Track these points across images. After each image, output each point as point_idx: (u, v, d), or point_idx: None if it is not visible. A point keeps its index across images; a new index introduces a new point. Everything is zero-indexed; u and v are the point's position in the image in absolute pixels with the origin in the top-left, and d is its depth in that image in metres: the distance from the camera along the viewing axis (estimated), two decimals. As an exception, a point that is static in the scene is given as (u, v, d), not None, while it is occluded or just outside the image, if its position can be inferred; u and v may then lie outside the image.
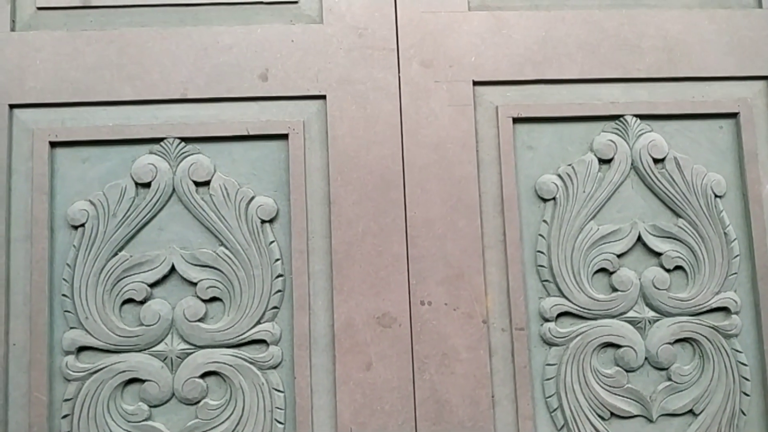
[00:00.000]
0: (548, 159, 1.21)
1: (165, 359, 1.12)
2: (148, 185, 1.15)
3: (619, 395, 1.16)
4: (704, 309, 1.19)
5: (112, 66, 1.17)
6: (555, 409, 1.15)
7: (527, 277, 1.18)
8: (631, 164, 1.21)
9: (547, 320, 1.17)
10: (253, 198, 1.16)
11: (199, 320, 1.13)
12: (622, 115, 1.22)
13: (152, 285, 1.13)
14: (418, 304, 1.14)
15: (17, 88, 1.16)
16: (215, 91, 1.17)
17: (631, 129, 1.21)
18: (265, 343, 1.13)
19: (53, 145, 1.15)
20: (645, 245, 1.20)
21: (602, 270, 1.19)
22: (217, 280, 1.14)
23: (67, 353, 1.11)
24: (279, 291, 1.14)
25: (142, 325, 1.12)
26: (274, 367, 1.13)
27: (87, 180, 1.15)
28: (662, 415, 1.16)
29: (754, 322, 1.20)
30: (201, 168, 1.15)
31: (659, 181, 1.20)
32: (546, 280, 1.18)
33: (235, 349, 1.13)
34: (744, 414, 1.17)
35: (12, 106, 1.15)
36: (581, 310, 1.17)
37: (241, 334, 1.12)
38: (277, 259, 1.14)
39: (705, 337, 1.18)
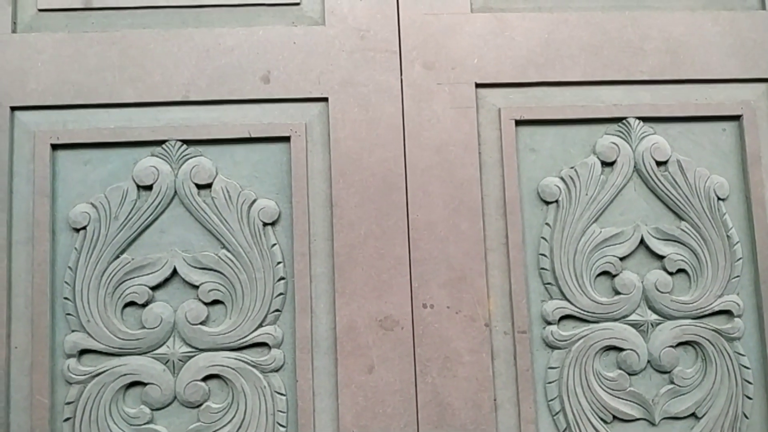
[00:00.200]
0: (551, 161, 1.20)
1: (167, 362, 1.11)
2: (149, 188, 1.15)
3: (622, 398, 1.16)
4: (707, 312, 1.18)
5: (114, 68, 1.17)
6: (557, 413, 1.15)
7: (530, 280, 1.18)
8: (634, 167, 1.21)
9: (549, 323, 1.16)
10: (254, 200, 1.15)
11: (201, 323, 1.12)
12: (624, 118, 1.21)
13: (154, 288, 1.13)
14: (420, 307, 1.14)
15: (18, 90, 1.15)
16: (217, 93, 1.17)
17: (633, 131, 1.21)
18: (267, 346, 1.13)
19: (54, 147, 1.15)
20: (648, 248, 1.19)
21: (605, 273, 1.19)
22: (219, 283, 1.13)
23: (69, 356, 1.11)
24: (281, 294, 1.14)
25: (143, 328, 1.12)
26: (276, 370, 1.13)
27: (88, 182, 1.15)
28: (665, 418, 1.16)
29: (756, 325, 1.19)
30: (203, 170, 1.15)
31: (662, 183, 1.20)
32: (548, 283, 1.17)
33: (237, 352, 1.12)
34: (746, 417, 1.17)
35: (13, 108, 1.15)
36: (584, 313, 1.17)
37: (243, 337, 1.12)
38: (279, 262, 1.14)
39: (707, 340, 1.18)
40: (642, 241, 1.19)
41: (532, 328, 1.17)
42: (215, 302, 1.14)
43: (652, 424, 1.15)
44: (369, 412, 1.11)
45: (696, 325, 1.18)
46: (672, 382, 1.17)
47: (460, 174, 1.17)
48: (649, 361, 1.17)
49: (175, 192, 1.15)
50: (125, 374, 1.11)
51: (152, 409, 1.11)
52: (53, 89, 1.16)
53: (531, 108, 1.20)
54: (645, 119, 1.22)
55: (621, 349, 1.17)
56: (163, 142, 1.16)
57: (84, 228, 1.13)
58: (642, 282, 1.18)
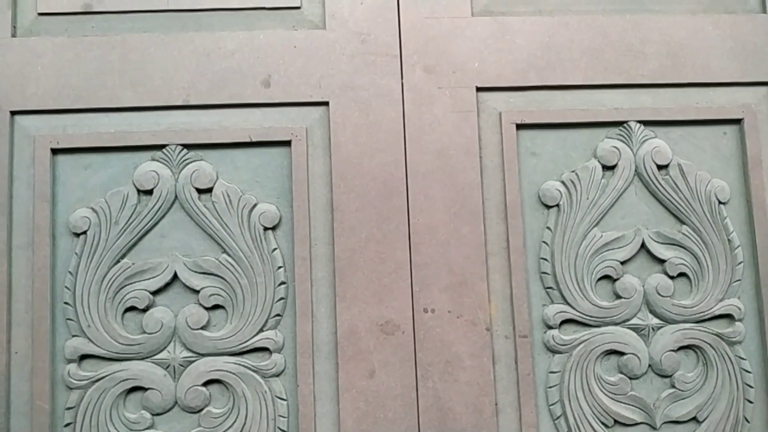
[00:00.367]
0: (552, 165, 1.20)
1: (167, 367, 1.11)
2: (150, 192, 1.14)
3: (623, 403, 1.16)
4: (708, 316, 1.18)
5: (114, 72, 1.17)
6: (558, 417, 1.15)
7: (531, 284, 1.18)
8: (635, 171, 1.20)
9: (550, 327, 1.16)
10: (255, 205, 1.15)
11: (202, 328, 1.12)
12: (625, 122, 1.21)
13: (154, 293, 1.13)
14: (421, 312, 1.14)
15: (18, 94, 1.15)
16: (217, 98, 1.17)
17: (634, 135, 1.21)
18: (267, 350, 1.13)
19: (55, 151, 1.15)
20: (649, 252, 1.19)
21: (606, 277, 1.18)
22: (220, 288, 1.13)
23: (70, 361, 1.11)
24: (282, 298, 1.13)
25: (144, 333, 1.12)
26: (277, 375, 1.12)
27: (89, 187, 1.15)
28: (666, 422, 1.16)
29: (757, 329, 1.19)
30: (203, 175, 1.15)
31: (663, 187, 1.20)
32: (549, 287, 1.17)
33: (238, 357, 1.12)
34: (747, 421, 1.17)
35: (13, 113, 1.15)
36: (585, 317, 1.17)
37: (244, 342, 1.12)
38: (280, 267, 1.14)
39: (708, 344, 1.18)
40: (643, 245, 1.19)
41: (533, 332, 1.17)
42: (216, 307, 1.13)
43: (654, 428, 1.15)
44: (370, 417, 1.11)
45: (697, 329, 1.18)
46: (673, 386, 1.17)
47: (461, 178, 1.17)
48: (650, 365, 1.17)
49: (176, 196, 1.15)
50: (126, 379, 1.11)
51: (153, 415, 1.11)
52: (53, 93, 1.15)
53: (532, 112, 1.20)
54: (646, 123, 1.22)
55: (622, 353, 1.17)
56: (163, 146, 1.16)
57: (84, 233, 1.13)
58: (643, 286, 1.18)
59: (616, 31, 1.23)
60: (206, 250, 1.14)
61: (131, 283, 1.12)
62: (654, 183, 1.20)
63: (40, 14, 1.18)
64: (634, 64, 1.22)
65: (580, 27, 1.22)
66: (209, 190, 1.15)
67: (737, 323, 1.19)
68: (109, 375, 1.11)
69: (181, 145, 1.16)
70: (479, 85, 1.19)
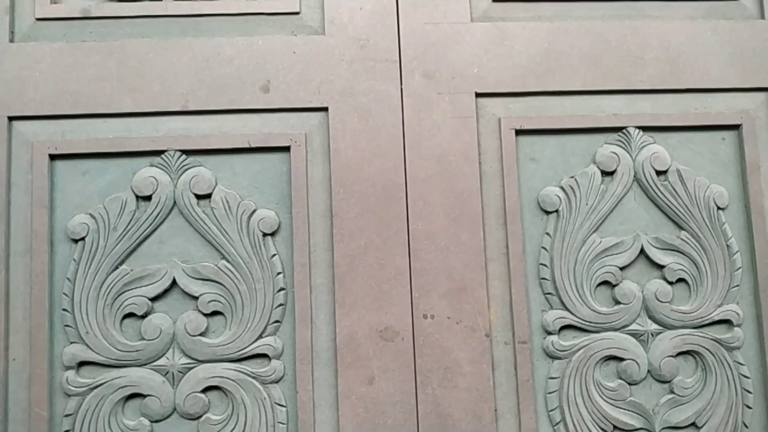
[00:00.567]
0: (551, 171, 1.20)
1: (166, 374, 1.11)
2: (148, 198, 1.14)
3: (622, 408, 1.16)
4: (707, 322, 1.19)
5: (113, 77, 1.16)
6: (558, 423, 1.15)
7: (530, 290, 1.18)
8: (634, 176, 1.21)
9: (549, 333, 1.16)
10: (254, 211, 1.15)
11: (201, 334, 1.12)
12: (624, 127, 1.21)
13: (153, 299, 1.13)
14: (420, 318, 1.14)
15: (16, 100, 1.15)
16: (216, 103, 1.16)
17: (633, 141, 1.21)
18: (267, 357, 1.12)
19: (53, 157, 1.14)
20: (648, 258, 1.19)
21: (605, 283, 1.19)
22: (219, 294, 1.13)
23: (68, 368, 1.10)
24: (281, 305, 1.13)
25: (143, 339, 1.11)
26: (276, 382, 1.12)
27: (87, 193, 1.14)
28: (665, 428, 1.16)
29: (756, 334, 1.20)
30: (202, 181, 1.15)
31: (662, 193, 1.20)
32: (549, 293, 1.17)
33: (237, 364, 1.12)
34: (746, 427, 1.17)
35: (11, 119, 1.14)
36: (584, 323, 1.17)
37: (243, 349, 1.12)
38: (279, 273, 1.14)
39: (707, 349, 1.18)
40: (642, 251, 1.19)
41: (532, 338, 1.17)
42: (215, 313, 1.13)
43: (653, 434, 1.16)
44: (369, 424, 1.11)
45: (696, 335, 1.18)
46: (672, 392, 1.17)
47: (460, 184, 1.17)
48: (649, 371, 1.17)
49: (175, 202, 1.14)
50: (124, 386, 1.10)
51: (152, 421, 1.10)
52: (51, 99, 1.15)
53: (531, 117, 1.20)
54: (645, 128, 1.22)
55: (621, 359, 1.17)
56: (162, 152, 1.15)
57: (83, 239, 1.12)
58: (642, 292, 1.18)
59: (616, 37, 1.23)
60: (205, 256, 1.14)
61: (130, 290, 1.12)
62: (653, 189, 1.20)
63: (38, 19, 1.18)
64: (633, 69, 1.22)
65: (580, 33, 1.22)
66: (208, 196, 1.15)
67: (736, 329, 1.19)
68: (107, 382, 1.10)
69: (180, 150, 1.15)
70: (478, 91, 1.19)
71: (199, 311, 1.12)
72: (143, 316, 1.12)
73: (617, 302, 1.18)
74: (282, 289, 1.14)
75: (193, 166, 1.15)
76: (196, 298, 1.13)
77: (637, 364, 1.16)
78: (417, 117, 1.18)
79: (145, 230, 1.13)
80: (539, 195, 1.19)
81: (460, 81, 1.19)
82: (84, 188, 1.15)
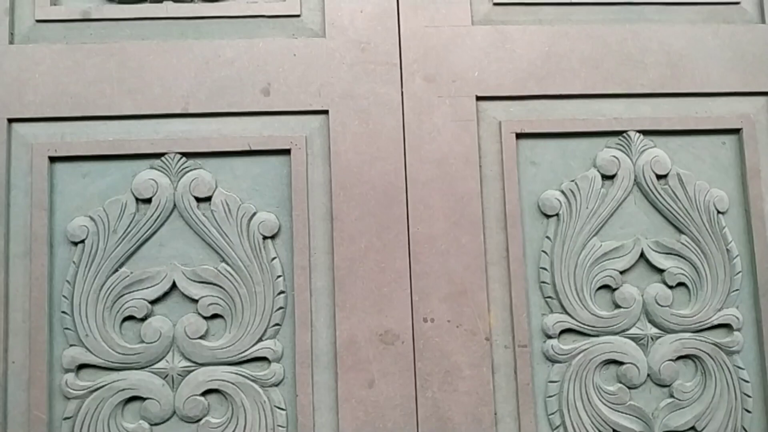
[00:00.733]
0: (551, 175, 1.20)
1: (166, 377, 1.11)
2: (148, 201, 1.14)
3: (622, 412, 1.16)
4: (706, 326, 1.19)
5: (113, 79, 1.16)
6: (557, 427, 1.15)
7: (530, 294, 1.18)
8: (634, 180, 1.21)
9: (549, 337, 1.16)
10: (254, 214, 1.15)
11: (201, 337, 1.12)
12: (625, 131, 1.21)
13: (153, 302, 1.12)
14: (420, 321, 1.14)
15: (16, 101, 1.14)
16: (217, 106, 1.16)
17: (634, 145, 1.21)
18: (266, 360, 1.12)
19: (53, 159, 1.14)
20: (648, 261, 1.19)
21: (605, 286, 1.19)
22: (219, 297, 1.13)
23: (67, 371, 1.10)
24: (281, 308, 1.13)
25: (142, 342, 1.11)
26: (276, 385, 1.12)
27: (87, 195, 1.14)
28: (664, 432, 1.16)
29: (755, 338, 1.20)
30: (202, 183, 1.14)
31: (662, 197, 1.20)
32: (549, 297, 1.17)
33: (237, 367, 1.12)
34: (746, 431, 1.17)
35: (11, 120, 1.14)
36: (584, 326, 1.17)
37: (243, 352, 1.12)
38: (279, 276, 1.14)
39: (707, 353, 1.18)
40: (642, 255, 1.19)
41: (532, 341, 1.17)
42: (215, 316, 1.13)
43: (652, 438, 1.16)
44: (369, 427, 1.11)
45: (696, 339, 1.18)
46: (672, 396, 1.17)
47: (460, 187, 1.17)
48: (649, 375, 1.17)
49: (175, 205, 1.14)
50: (124, 389, 1.10)
51: (151, 424, 1.10)
52: (51, 101, 1.15)
53: (531, 121, 1.20)
54: (645, 132, 1.22)
55: (621, 363, 1.17)
56: (162, 154, 1.15)
57: (82, 241, 1.12)
58: (642, 295, 1.18)
59: (616, 40, 1.23)
60: (205, 259, 1.14)
61: (129, 292, 1.12)
62: (653, 193, 1.20)
63: (38, 21, 1.17)
64: (634, 73, 1.22)
65: (580, 36, 1.22)
66: (208, 199, 1.15)
67: (735, 333, 1.19)
68: (107, 385, 1.10)
69: (180, 153, 1.15)
70: (479, 94, 1.19)
71: (199, 314, 1.12)
72: (143, 319, 1.12)
73: (617, 306, 1.18)
74: (282, 292, 1.13)
75: (193, 169, 1.15)
76: (196, 301, 1.12)
77: (637, 368, 1.16)
78: (417, 120, 1.18)
79: (145, 233, 1.13)
80: (540, 198, 1.19)
81: (460, 84, 1.19)
82: (84, 190, 1.14)
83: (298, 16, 1.20)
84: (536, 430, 1.14)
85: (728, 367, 1.18)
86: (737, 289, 1.20)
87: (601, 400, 1.16)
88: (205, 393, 1.11)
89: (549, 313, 1.17)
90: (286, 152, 1.16)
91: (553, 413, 1.15)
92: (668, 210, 1.20)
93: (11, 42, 1.17)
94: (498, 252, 1.17)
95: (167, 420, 1.10)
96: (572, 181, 1.20)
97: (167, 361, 1.11)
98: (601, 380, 1.17)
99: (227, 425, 1.11)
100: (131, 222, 1.13)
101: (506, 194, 1.18)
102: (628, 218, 1.20)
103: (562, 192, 1.19)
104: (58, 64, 1.16)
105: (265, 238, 1.14)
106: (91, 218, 1.13)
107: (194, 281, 1.13)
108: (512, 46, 1.21)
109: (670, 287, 1.19)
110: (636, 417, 1.16)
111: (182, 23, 1.19)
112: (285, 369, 1.12)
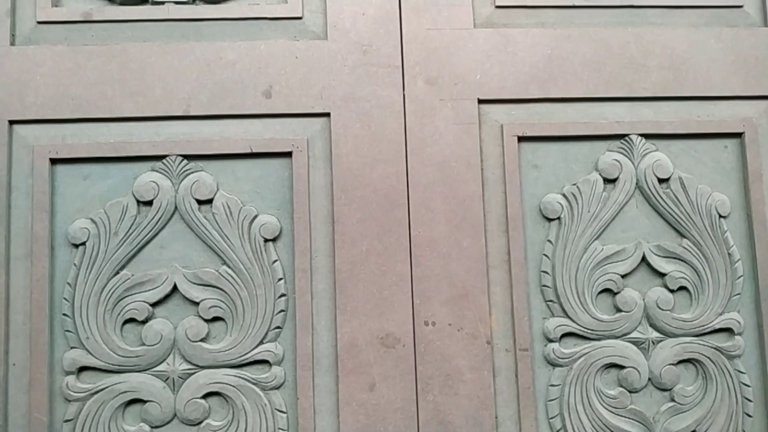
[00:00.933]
0: (553, 178, 1.20)
1: (167, 380, 1.11)
2: (149, 203, 1.14)
3: (623, 416, 1.16)
4: (708, 330, 1.18)
5: (114, 81, 1.16)
6: (558, 430, 1.15)
7: (531, 298, 1.17)
8: (636, 184, 1.20)
9: (551, 341, 1.16)
10: (256, 216, 1.15)
11: (201, 340, 1.12)
12: (627, 135, 1.21)
13: (154, 304, 1.12)
14: (421, 325, 1.14)
15: (17, 103, 1.14)
16: (218, 108, 1.16)
17: (636, 148, 1.21)
18: (267, 363, 1.12)
19: (54, 161, 1.14)
20: (649, 265, 1.19)
21: (606, 290, 1.18)
22: (220, 300, 1.13)
23: (68, 373, 1.10)
24: (282, 311, 1.13)
25: (143, 345, 1.11)
26: (277, 388, 1.12)
27: (88, 197, 1.14)
28: (665, 436, 1.16)
29: (756, 343, 1.20)
30: (203, 186, 1.14)
31: (664, 201, 1.20)
32: (550, 301, 1.17)
33: (238, 370, 1.12)
34: (746, 435, 1.18)
35: (12, 122, 1.14)
36: (585, 330, 1.17)
37: (244, 355, 1.12)
38: (280, 279, 1.13)
39: (708, 358, 1.18)
40: (643, 259, 1.19)
41: (533, 345, 1.16)
42: (216, 319, 1.13)
43: (653, 442, 1.16)
44: (370, 430, 1.11)
45: (697, 343, 1.18)
46: (673, 400, 1.17)
47: (462, 190, 1.17)
48: (650, 379, 1.17)
49: (176, 207, 1.14)
50: (125, 391, 1.10)
51: (152, 427, 1.10)
52: (52, 103, 1.14)
53: (533, 124, 1.20)
54: (647, 136, 1.22)
55: (622, 367, 1.17)
56: (163, 157, 1.15)
57: (83, 244, 1.12)
58: (643, 299, 1.18)
59: (618, 44, 1.22)
60: (206, 262, 1.14)
61: (130, 295, 1.12)
62: (655, 196, 1.20)
63: (40, 23, 1.17)
64: (636, 77, 1.22)
65: (582, 40, 1.22)
66: (209, 201, 1.15)
67: (737, 337, 1.19)
68: (107, 387, 1.10)
69: (182, 155, 1.15)
70: (481, 97, 1.19)
71: (200, 317, 1.12)
72: (144, 322, 1.12)
73: (618, 310, 1.18)
74: (283, 295, 1.13)
75: (195, 171, 1.15)
76: (197, 303, 1.12)
77: (638, 371, 1.16)
78: (419, 123, 1.18)
79: (146, 235, 1.13)
80: (541, 202, 1.19)
81: (462, 87, 1.19)
82: (85, 193, 1.14)
83: (300, 18, 1.20)
84: (537, 433, 1.15)
85: (729, 372, 1.18)
86: (738, 294, 1.20)
87: (602, 404, 1.16)
88: (205, 396, 1.11)
89: (550, 316, 1.17)
90: (288, 155, 1.16)
91: (554, 417, 1.15)
92: (670, 214, 1.20)
93: (12, 43, 1.16)
94: (499, 255, 1.17)
95: (168, 423, 1.10)
96: (574, 184, 1.20)
97: (168, 364, 1.11)
98: (602, 384, 1.17)
99: (228, 428, 1.11)
100: (132, 224, 1.13)
101: (508, 197, 1.17)
102: (629, 222, 1.20)
103: (564, 195, 1.19)
104: (59, 65, 1.15)
105: (266, 240, 1.14)
106: (92, 220, 1.13)
107: (195, 284, 1.13)
108: (514, 49, 1.21)
109: (672, 291, 1.19)
110: (637, 421, 1.16)
111: (184, 25, 1.19)
112: (286, 372, 1.12)
